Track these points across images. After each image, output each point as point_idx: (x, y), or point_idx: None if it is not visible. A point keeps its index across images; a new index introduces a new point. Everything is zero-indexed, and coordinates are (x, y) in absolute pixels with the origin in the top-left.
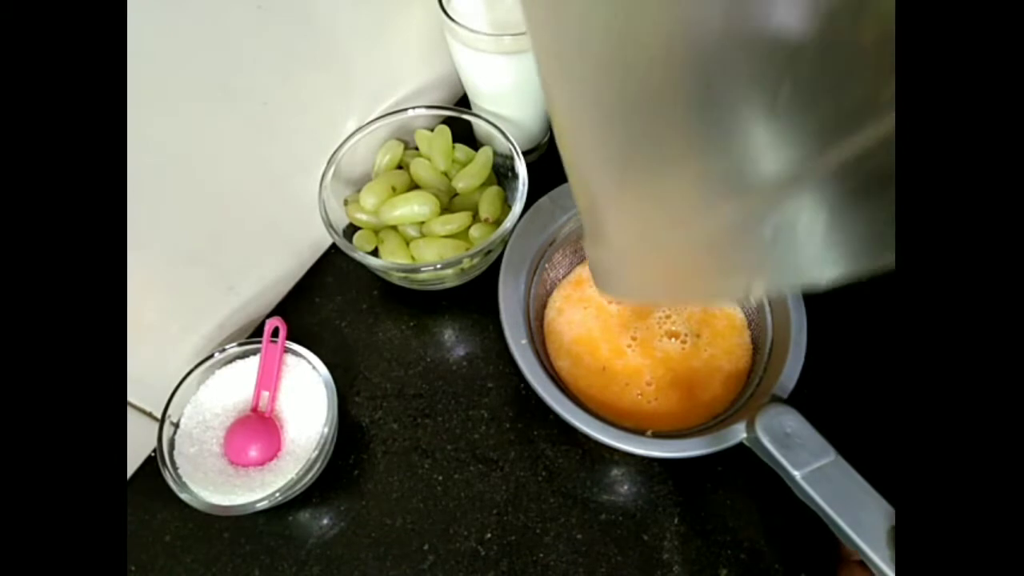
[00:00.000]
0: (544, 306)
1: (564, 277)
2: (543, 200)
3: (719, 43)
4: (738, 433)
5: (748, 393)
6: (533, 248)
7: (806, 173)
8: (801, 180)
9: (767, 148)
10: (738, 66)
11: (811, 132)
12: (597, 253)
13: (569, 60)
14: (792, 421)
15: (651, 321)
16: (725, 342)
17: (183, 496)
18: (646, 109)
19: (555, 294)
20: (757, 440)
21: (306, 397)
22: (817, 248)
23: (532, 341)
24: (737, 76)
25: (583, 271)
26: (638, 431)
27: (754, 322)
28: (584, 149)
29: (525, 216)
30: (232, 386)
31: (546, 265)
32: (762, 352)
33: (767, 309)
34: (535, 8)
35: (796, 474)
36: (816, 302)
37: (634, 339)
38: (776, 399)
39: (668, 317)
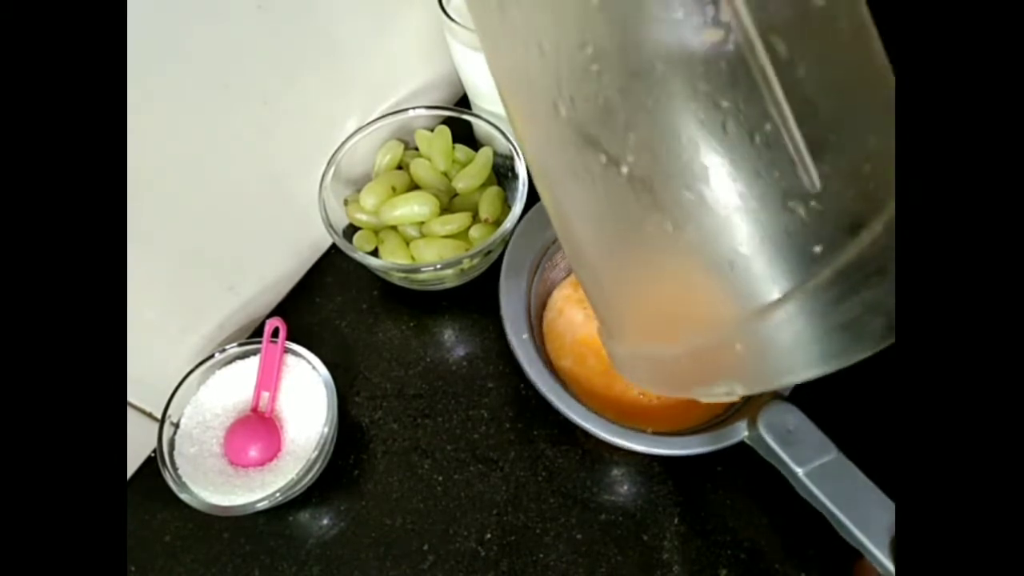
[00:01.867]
0: (544, 306)
1: (564, 278)
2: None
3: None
4: (740, 431)
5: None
6: (534, 248)
7: (786, 297)
8: (779, 304)
9: (749, 273)
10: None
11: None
12: (611, 346)
13: (562, 193)
14: (794, 418)
15: None
16: None
17: (183, 496)
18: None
19: (555, 294)
20: (759, 438)
21: (306, 397)
22: (788, 357)
23: (533, 338)
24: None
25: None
26: (639, 429)
27: None
28: (590, 268)
29: (526, 216)
30: (232, 386)
31: (547, 265)
32: None
33: None
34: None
35: (799, 471)
36: None
37: None
38: (778, 397)
39: None
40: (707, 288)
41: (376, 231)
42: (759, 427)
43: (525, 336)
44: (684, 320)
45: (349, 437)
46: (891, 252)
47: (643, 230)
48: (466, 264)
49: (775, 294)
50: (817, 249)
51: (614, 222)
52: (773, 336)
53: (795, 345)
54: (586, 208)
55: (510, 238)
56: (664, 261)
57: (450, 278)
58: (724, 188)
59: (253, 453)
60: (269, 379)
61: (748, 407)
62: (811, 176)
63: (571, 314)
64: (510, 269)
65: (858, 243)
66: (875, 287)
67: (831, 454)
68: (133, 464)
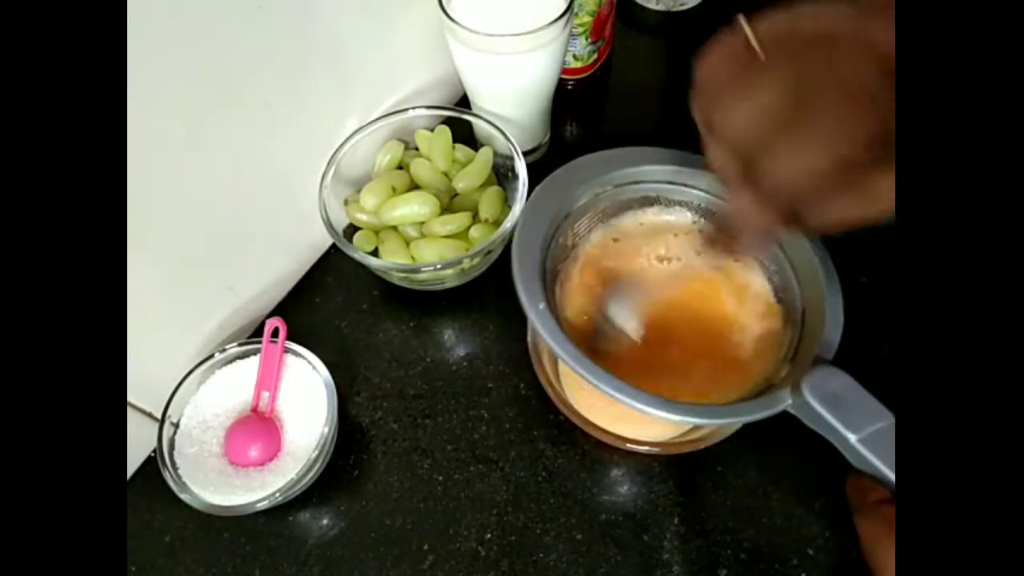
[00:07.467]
0: (556, 279)
1: (573, 248)
2: (559, 171)
3: None
4: (783, 400)
5: (783, 370)
6: (547, 219)
7: None
8: None
9: None
10: None
11: None
12: None
13: None
14: (842, 382)
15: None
16: (757, 321)
17: (183, 496)
18: None
19: (565, 266)
20: (805, 404)
21: (306, 397)
22: None
23: (550, 307)
24: None
25: (588, 248)
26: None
27: (782, 296)
28: None
29: (537, 188)
30: (232, 386)
31: (560, 238)
32: (795, 327)
33: (794, 281)
34: None
35: (852, 438)
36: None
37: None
38: (821, 361)
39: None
40: None
41: (376, 231)
42: (804, 392)
43: (542, 306)
44: None
45: (349, 437)
46: None
47: None
48: (466, 264)
49: None
50: None
51: None
52: None
53: None
54: None
55: (511, 236)
56: None
57: (450, 278)
58: None
59: (253, 453)
60: (269, 379)
61: (790, 374)
62: None
63: (583, 300)
64: (523, 240)
65: None
66: None
67: (887, 420)
68: (133, 464)
